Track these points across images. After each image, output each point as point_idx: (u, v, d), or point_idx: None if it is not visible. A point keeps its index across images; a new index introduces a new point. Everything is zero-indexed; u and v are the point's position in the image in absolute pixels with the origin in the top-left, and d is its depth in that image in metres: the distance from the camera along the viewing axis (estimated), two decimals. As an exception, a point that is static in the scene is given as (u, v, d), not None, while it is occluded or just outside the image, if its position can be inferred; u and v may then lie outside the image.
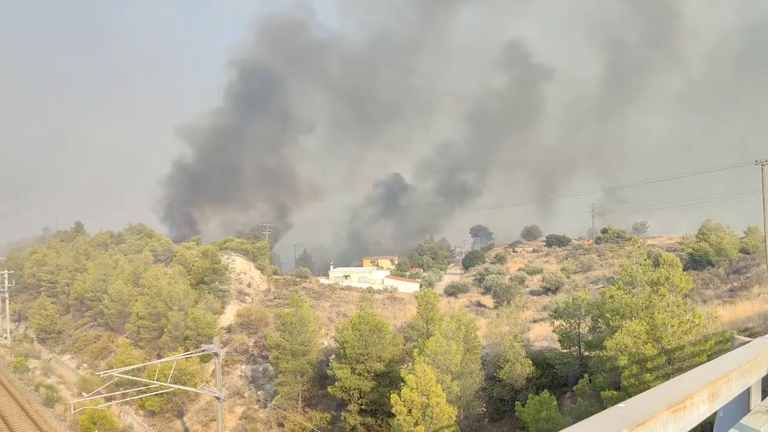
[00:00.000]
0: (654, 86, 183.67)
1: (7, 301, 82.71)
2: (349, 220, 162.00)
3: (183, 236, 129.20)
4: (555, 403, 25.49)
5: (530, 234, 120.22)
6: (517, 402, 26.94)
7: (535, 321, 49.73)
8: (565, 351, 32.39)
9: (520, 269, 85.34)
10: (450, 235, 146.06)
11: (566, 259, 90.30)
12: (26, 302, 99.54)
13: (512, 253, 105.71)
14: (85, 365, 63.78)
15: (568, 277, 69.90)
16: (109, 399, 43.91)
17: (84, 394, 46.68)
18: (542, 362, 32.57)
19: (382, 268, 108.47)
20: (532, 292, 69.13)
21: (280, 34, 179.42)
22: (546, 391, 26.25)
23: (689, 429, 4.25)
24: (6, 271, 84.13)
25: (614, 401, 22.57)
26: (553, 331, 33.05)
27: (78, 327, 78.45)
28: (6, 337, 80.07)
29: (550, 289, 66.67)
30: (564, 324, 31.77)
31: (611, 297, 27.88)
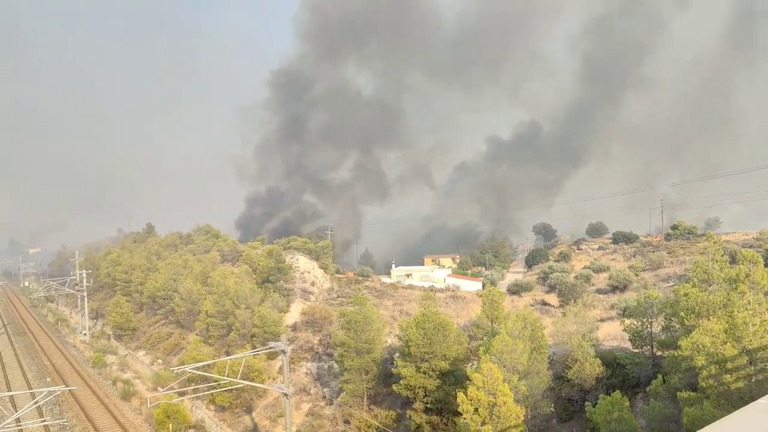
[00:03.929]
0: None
1: (86, 300, 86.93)
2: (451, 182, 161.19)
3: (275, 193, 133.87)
4: (627, 404, 24.74)
5: (596, 231, 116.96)
6: (587, 402, 26.30)
7: (602, 320, 48.35)
8: (636, 351, 31.40)
9: (585, 267, 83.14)
10: (523, 225, 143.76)
11: (634, 256, 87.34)
12: (103, 300, 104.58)
13: (577, 251, 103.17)
14: (159, 361, 66.33)
15: (636, 275, 67.64)
16: (181, 394, 45.48)
17: (159, 389, 48.50)
18: (612, 362, 31.69)
19: (444, 266, 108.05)
20: (599, 291, 67.32)
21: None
22: (618, 391, 25.51)
23: None
24: (84, 271, 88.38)
25: (692, 402, 21.76)
26: (624, 330, 32.08)
27: (151, 324, 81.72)
28: (85, 334, 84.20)
29: (618, 288, 64.71)
30: (635, 323, 30.80)
31: (686, 295, 26.79)
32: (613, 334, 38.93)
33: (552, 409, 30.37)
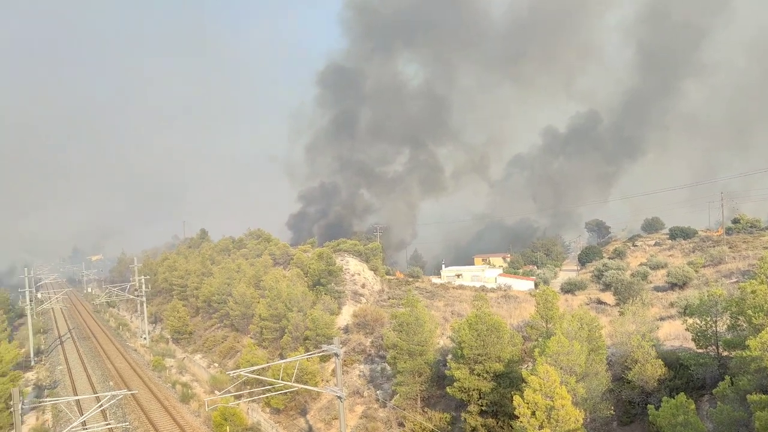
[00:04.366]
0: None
1: (144, 305, 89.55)
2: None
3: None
4: (693, 406, 23.76)
5: (651, 227, 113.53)
6: (649, 405, 25.36)
7: (662, 318, 46.82)
8: (700, 351, 30.16)
9: (641, 264, 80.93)
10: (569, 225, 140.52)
11: (693, 252, 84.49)
12: (160, 305, 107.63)
13: (632, 248, 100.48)
14: (215, 364, 67.74)
15: (696, 272, 65.32)
16: (237, 397, 46.24)
17: (216, 392, 49.48)
18: (675, 363, 30.53)
19: (494, 266, 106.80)
20: (656, 288, 65.39)
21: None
22: (682, 393, 24.54)
23: None
24: (143, 277, 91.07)
25: (764, 405, 20.73)
26: (686, 329, 30.88)
27: (207, 328, 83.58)
28: (145, 338, 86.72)
29: (677, 285, 62.66)
30: (698, 322, 29.58)
31: (753, 292, 25.60)
32: (675, 334, 37.56)
33: (612, 412, 29.50)
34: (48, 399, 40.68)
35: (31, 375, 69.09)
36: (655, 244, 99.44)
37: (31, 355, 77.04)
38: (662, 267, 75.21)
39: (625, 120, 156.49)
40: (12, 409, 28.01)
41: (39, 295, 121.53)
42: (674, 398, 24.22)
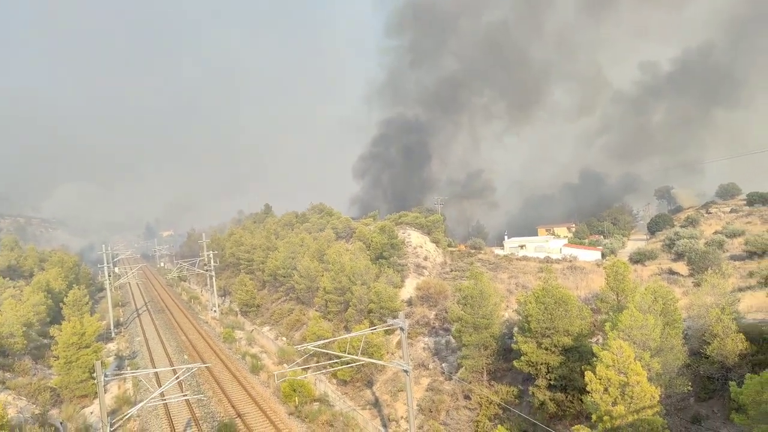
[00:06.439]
0: None
1: (213, 279, 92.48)
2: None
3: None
4: (779, 384, 22.51)
5: (726, 192, 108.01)
6: (731, 382, 24.23)
7: (740, 289, 44.62)
8: (786, 324, 28.60)
9: (716, 232, 77.22)
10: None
11: (774, 218, 79.92)
12: (228, 279, 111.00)
13: (706, 215, 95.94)
14: (282, 337, 69.44)
15: (777, 239, 61.76)
16: (305, 369, 47.28)
17: (285, 364, 50.70)
18: (758, 337, 29.08)
19: (558, 236, 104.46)
20: (733, 257, 62.33)
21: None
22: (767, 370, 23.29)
23: None
24: (211, 252, 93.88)
25: None
26: (770, 302, 29.28)
27: (273, 301, 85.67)
28: (215, 311, 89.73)
29: (756, 254, 59.51)
30: (784, 294, 27.98)
31: None
32: (758, 306, 35.73)
33: (689, 387, 28.41)
34: (129, 371, 42.76)
35: (112, 346, 72.78)
36: (731, 211, 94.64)
37: (112, 327, 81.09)
38: (739, 235, 71.61)
39: (722, 59, 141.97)
40: (96, 380, 29.48)
41: (116, 270, 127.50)
42: (758, 374, 23.02)
